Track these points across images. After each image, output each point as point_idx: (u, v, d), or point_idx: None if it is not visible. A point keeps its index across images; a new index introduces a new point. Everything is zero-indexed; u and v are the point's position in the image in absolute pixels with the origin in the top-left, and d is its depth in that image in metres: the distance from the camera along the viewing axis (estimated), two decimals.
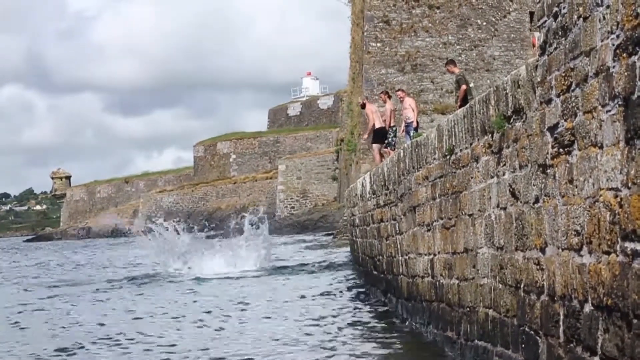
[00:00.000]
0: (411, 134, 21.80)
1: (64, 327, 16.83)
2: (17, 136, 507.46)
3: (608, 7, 5.61)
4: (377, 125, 23.23)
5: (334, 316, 16.41)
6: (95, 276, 31.75)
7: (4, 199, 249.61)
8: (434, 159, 11.88)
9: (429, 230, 12.39)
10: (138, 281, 27.37)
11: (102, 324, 16.78)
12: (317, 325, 15.30)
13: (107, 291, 24.36)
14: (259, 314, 17.34)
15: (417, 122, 22.99)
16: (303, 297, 20.13)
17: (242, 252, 32.01)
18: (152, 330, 15.54)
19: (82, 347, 14.05)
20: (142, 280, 27.53)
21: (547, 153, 7.10)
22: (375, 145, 23.87)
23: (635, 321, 5.28)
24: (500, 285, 8.78)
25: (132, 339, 14.61)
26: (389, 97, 24.11)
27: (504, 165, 8.57)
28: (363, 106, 24.54)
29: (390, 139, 23.20)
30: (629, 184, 5.35)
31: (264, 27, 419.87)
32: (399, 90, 24.95)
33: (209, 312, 18.09)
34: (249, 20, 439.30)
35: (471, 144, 9.91)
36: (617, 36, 5.48)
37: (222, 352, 12.93)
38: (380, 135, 23.34)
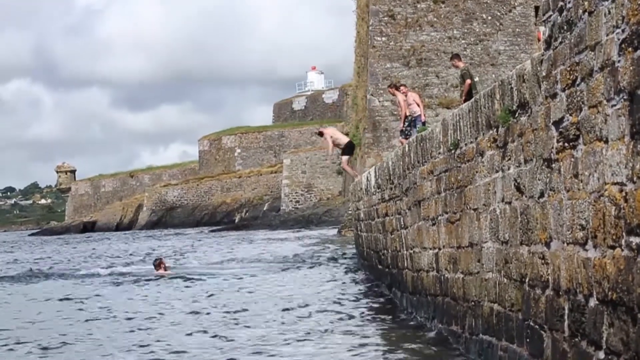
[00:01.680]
0: (417, 128, 21.83)
1: None
2: (24, 130, 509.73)
3: (613, 1, 5.61)
4: (344, 142, 24.59)
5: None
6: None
7: (9, 193, 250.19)
8: (439, 153, 11.88)
9: (433, 224, 12.40)
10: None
11: None
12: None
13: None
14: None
15: (425, 116, 23.04)
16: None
17: None
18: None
19: None
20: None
21: (552, 147, 7.10)
22: (344, 158, 25.42)
23: None
24: (505, 280, 8.79)
25: None
26: (397, 88, 24.15)
27: (509, 159, 8.57)
28: (320, 134, 25.45)
29: (404, 128, 23.25)
30: (634, 179, 5.35)
31: (271, 22, 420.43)
32: (401, 85, 25.01)
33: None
34: (256, 14, 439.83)
35: (476, 138, 9.91)
36: (623, 30, 5.47)
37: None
38: (349, 148, 24.67)
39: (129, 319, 16.32)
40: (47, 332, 14.87)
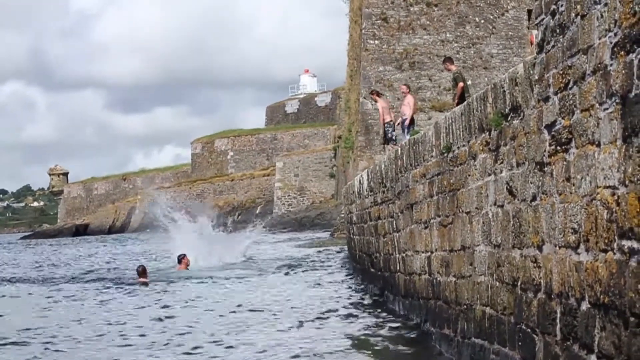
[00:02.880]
0: (405, 131, 21.97)
1: None
2: (18, 133, 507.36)
3: (606, 5, 5.61)
4: None
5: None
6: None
7: (1, 196, 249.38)
8: (432, 156, 11.88)
9: (426, 227, 12.40)
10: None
11: None
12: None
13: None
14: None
15: (413, 119, 23.02)
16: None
17: None
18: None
19: None
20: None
21: (545, 151, 7.10)
22: None
23: (631, 319, 5.28)
24: (497, 283, 8.78)
25: None
26: (379, 95, 24.54)
27: (502, 163, 8.57)
28: None
29: (389, 134, 23.41)
30: (626, 182, 5.35)
31: (267, 25, 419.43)
32: (404, 84, 25.16)
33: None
34: (252, 18, 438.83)
35: (469, 142, 9.91)
36: (615, 34, 5.47)
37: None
38: None
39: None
40: None
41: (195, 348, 12.96)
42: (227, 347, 12.96)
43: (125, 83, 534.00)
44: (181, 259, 28.28)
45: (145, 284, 24.02)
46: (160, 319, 16.37)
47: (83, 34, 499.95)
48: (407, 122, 22.51)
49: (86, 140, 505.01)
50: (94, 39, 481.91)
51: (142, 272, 24.91)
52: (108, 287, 24.06)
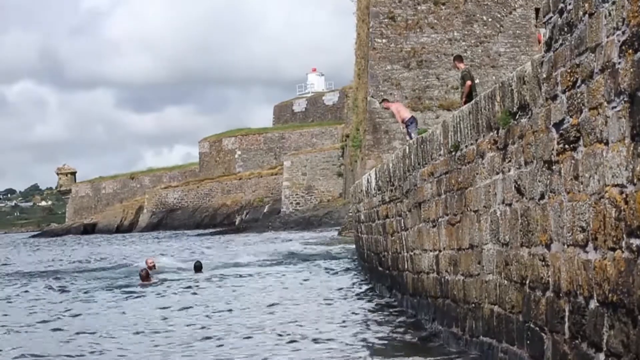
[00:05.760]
0: (409, 133, 22.05)
1: None
2: (27, 132, 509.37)
3: (614, 3, 5.61)
4: None
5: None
6: None
7: (9, 195, 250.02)
8: (440, 155, 11.88)
9: (434, 226, 12.40)
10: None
11: None
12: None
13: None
14: None
15: (414, 118, 22.95)
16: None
17: None
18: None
19: None
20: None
21: (553, 149, 7.10)
22: None
23: None
24: (506, 282, 8.78)
25: None
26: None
27: (510, 161, 8.57)
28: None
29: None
30: (635, 181, 5.35)
31: (276, 23, 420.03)
32: (383, 100, 25.48)
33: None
34: (261, 16, 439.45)
35: (476, 140, 9.91)
36: (623, 32, 5.47)
37: None
38: None
39: None
40: None
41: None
42: None
43: (135, 82, 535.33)
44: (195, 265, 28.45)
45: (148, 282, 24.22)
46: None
47: (93, 33, 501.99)
48: (401, 127, 22.75)
49: (96, 139, 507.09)
50: (104, 38, 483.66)
51: (145, 275, 24.97)
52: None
